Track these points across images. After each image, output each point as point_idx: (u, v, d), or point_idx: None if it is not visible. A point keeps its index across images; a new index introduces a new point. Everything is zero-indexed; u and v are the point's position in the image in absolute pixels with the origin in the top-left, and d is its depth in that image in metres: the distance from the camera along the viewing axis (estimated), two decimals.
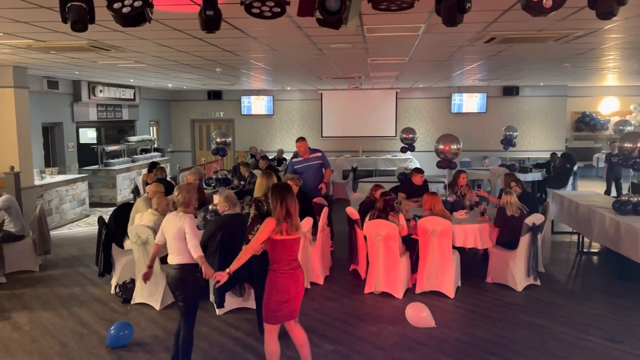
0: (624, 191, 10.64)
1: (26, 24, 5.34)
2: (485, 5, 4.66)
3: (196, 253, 4.21)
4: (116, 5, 3.23)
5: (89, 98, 12.92)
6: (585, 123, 17.92)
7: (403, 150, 12.21)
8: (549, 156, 12.97)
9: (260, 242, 4.01)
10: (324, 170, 8.35)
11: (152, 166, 9.33)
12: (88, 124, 14.03)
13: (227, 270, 4.00)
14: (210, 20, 3.38)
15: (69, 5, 3.30)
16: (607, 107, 17.90)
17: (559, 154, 12.66)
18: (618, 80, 14.87)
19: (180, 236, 4.29)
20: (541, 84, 16.31)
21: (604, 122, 17.80)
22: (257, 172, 11.25)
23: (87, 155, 13.52)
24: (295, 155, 8.61)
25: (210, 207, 7.04)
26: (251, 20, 5.08)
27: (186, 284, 4.33)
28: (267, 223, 3.96)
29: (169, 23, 5.38)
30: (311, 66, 10.12)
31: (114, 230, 6.82)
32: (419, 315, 5.56)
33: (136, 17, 3.30)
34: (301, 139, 8.40)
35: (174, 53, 7.77)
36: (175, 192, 4.48)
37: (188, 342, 4.41)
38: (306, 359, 4.29)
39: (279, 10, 3.35)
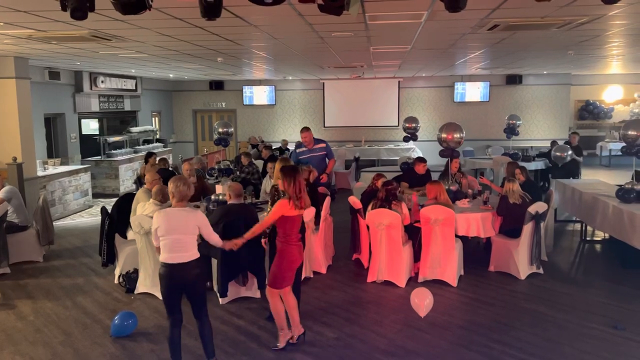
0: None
1: (27, 14, 5.32)
2: None
3: (219, 242, 4.45)
4: None
5: (91, 89, 12.90)
6: (589, 111, 17.82)
7: (406, 139, 12.17)
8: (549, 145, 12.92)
9: (274, 219, 4.56)
10: (327, 160, 8.32)
11: (148, 156, 9.33)
12: (90, 115, 14.01)
13: (242, 238, 4.59)
14: (211, 7, 3.35)
15: None
16: (611, 95, 17.78)
17: (560, 142, 12.60)
18: (622, 68, 14.77)
19: (194, 231, 4.14)
20: (544, 72, 16.22)
21: (608, 110, 17.71)
22: (259, 162, 11.28)
23: (89, 146, 13.52)
24: (299, 145, 8.55)
25: (212, 197, 7.05)
26: (252, 8, 5.04)
27: (200, 279, 4.28)
28: (282, 203, 4.50)
29: (170, 12, 5.35)
30: (313, 55, 10.07)
31: (117, 220, 6.83)
32: (423, 303, 5.54)
33: (136, 5, 3.27)
34: (306, 129, 8.36)
35: (175, 42, 7.74)
36: (171, 185, 4.20)
37: (210, 333, 4.36)
38: (295, 321, 4.90)
39: None
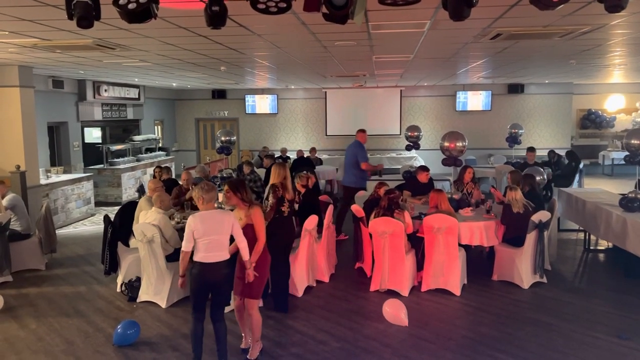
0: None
1: (32, 23, 5.35)
2: (491, 0, 4.63)
3: (248, 255, 4.45)
4: (122, 1, 3.22)
5: (94, 97, 12.95)
6: (591, 120, 17.83)
7: (408, 148, 12.18)
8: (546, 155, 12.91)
9: (263, 229, 4.67)
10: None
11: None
12: (93, 123, 14.06)
13: (251, 266, 4.53)
14: (216, 16, 3.36)
15: (74, 1, 3.30)
16: (613, 105, 17.81)
17: (559, 152, 12.59)
18: (624, 77, 14.79)
19: (228, 231, 4.32)
20: (546, 81, 16.24)
21: (610, 119, 17.72)
22: (261, 170, 11.31)
23: (92, 154, 13.56)
24: (361, 144, 9.21)
25: (215, 205, 7.04)
26: (256, 17, 5.07)
27: (230, 279, 4.47)
28: (260, 213, 4.68)
29: (174, 21, 5.38)
30: (316, 64, 10.11)
31: (120, 228, 6.83)
32: (397, 313, 5.53)
33: (142, 14, 3.28)
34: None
35: (179, 51, 7.77)
36: (196, 190, 4.40)
37: (225, 335, 4.50)
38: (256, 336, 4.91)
39: (284, 5, 3.33)
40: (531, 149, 10.94)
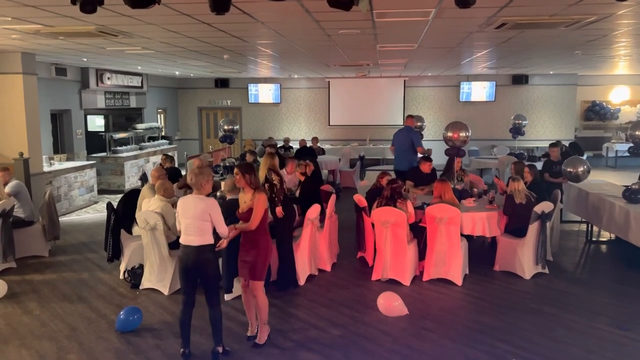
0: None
1: (35, 8, 5.33)
2: None
3: (230, 232, 4.52)
4: None
5: (97, 85, 12.94)
6: (595, 112, 17.74)
7: None
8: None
9: (262, 213, 4.66)
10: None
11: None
12: (96, 111, 14.06)
13: (234, 228, 4.61)
14: (220, 2, 3.34)
15: None
16: (618, 96, 17.70)
17: (565, 143, 12.55)
18: (629, 68, 14.69)
19: (203, 217, 4.34)
20: (551, 72, 16.15)
21: (615, 111, 17.62)
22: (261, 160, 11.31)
23: (95, 142, 13.57)
24: (414, 129, 9.87)
25: (217, 193, 7.07)
26: (260, 4, 5.06)
27: (210, 264, 4.47)
28: (264, 197, 4.66)
29: (177, 7, 5.35)
30: (319, 53, 10.06)
31: (123, 216, 6.85)
32: (391, 304, 5.54)
33: None
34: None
35: (182, 39, 7.74)
36: (189, 176, 4.50)
37: (218, 319, 4.56)
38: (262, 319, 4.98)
39: None
40: (555, 144, 9.43)
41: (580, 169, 7.84)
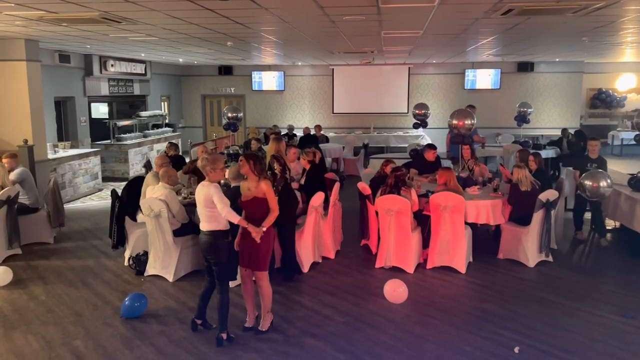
0: None
1: None
2: None
3: (235, 218, 4.46)
4: None
5: (101, 72, 12.91)
6: (601, 100, 17.62)
7: (415, 126, 12.10)
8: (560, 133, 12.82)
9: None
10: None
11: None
12: (100, 99, 14.03)
13: (261, 228, 4.55)
14: None
15: None
16: (624, 84, 17.56)
17: (570, 130, 12.48)
18: (636, 56, 14.54)
19: (208, 204, 4.45)
20: (557, 59, 16.01)
21: (621, 99, 17.49)
22: (266, 147, 11.30)
23: (99, 129, 13.56)
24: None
25: (222, 181, 7.05)
26: None
27: (218, 250, 4.54)
28: (270, 185, 4.68)
29: None
30: (323, 40, 9.99)
31: (127, 203, 6.86)
32: (396, 290, 5.55)
33: None
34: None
35: (185, 25, 7.70)
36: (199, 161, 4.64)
37: (224, 306, 4.62)
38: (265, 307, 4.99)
39: None
40: (594, 138, 8.41)
41: (603, 183, 6.52)
